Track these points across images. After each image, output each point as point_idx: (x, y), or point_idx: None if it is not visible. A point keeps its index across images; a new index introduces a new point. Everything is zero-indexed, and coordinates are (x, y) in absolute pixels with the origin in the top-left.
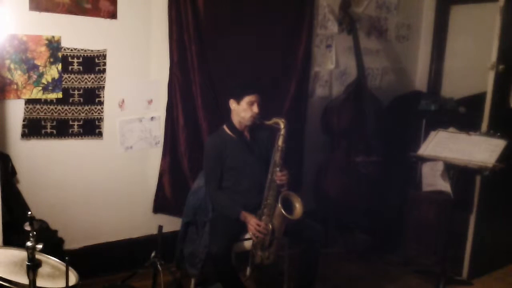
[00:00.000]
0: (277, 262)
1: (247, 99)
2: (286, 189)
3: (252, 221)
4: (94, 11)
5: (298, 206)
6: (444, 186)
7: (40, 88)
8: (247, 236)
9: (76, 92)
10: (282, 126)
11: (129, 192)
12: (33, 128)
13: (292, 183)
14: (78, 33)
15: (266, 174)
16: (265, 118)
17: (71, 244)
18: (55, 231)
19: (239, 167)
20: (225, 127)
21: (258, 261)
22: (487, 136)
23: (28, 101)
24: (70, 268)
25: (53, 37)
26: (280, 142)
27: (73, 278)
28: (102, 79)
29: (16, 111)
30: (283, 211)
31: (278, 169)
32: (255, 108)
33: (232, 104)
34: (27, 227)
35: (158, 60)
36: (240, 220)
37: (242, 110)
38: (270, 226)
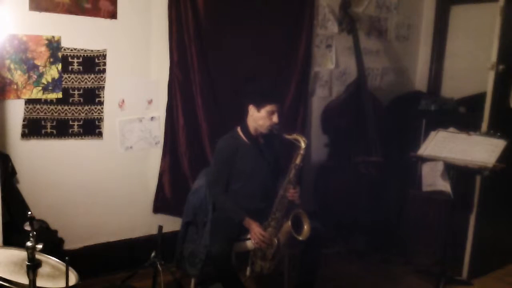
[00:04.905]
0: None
1: (268, 107)
2: (300, 206)
3: (256, 230)
4: (94, 11)
5: (306, 227)
6: (444, 186)
7: (40, 88)
8: (248, 236)
9: (76, 92)
10: (303, 145)
11: (129, 192)
12: (33, 128)
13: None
14: (78, 33)
15: (273, 180)
16: (285, 130)
17: (71, 244)
18: (55, 231)
19: (248, 172)
20: (239, 130)
21: (258, 269)
22: (487, 136)
23: (28, 101)
24: (70, 268)
25: (53, 37)
26: (298, 160)
27: (73, 278)
28: (102, 79)
29: (16, 111)
30: (293, 230)
31: (291, 186)
32: (275, 118)
33: (251, 109)
34: (27, 227)
35: (158, 60)
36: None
37: (261, 118)
38: (276, 241)
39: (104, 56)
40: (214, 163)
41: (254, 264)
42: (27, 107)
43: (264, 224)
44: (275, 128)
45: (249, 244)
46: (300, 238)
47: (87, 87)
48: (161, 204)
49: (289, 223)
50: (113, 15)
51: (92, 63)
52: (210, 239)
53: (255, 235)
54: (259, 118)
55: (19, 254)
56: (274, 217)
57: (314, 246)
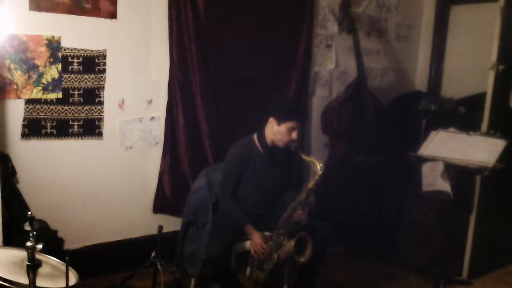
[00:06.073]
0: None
1: (289, 124)
2: (305, 230)
3: (258, 240)
4: (94, 11)
5: (308, 251)
6: (444, 186)
7: (40, 88)
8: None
9: (76, 92)
10: (319, 171)
11: (129, 192)
12: (33, 128)
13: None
14: (78, 33)
15: (282, 190)
16: (302, 150)
17: (71, 244)
18: (55, 231)
19: (258, 181)
20: (255, 138)
21: (254, 278)
22: (487, 136)
23: (28, 101)
24: (70, 268)
25: (53, 37)
26: (311, 185)
27: (73, 278)
28: (102, 79)
29: (16, 111)
30: (295, 252)
31: (300, 207)
32: (294, 135)
33: (272, 122)
34: (27, 227)
35: (158, 60)
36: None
37: (280, 133)
38: (276, 257)
39: (104, 56)
40: (226, 168)
41: (251, 272)
42: (27, 107)
43: (266, 236)
44: (293, 145)
45: (249, 244)
46: (301, 260)
47: (87, 87)
48: (161, 204)
49: (293, 243)
50: (113, 15)
51: (92, 63)
52: (210, 240)
53: (255, 246)
54: (278, 132)
55: (19, 254)
56: (277, 233)
57: (321, 247)
